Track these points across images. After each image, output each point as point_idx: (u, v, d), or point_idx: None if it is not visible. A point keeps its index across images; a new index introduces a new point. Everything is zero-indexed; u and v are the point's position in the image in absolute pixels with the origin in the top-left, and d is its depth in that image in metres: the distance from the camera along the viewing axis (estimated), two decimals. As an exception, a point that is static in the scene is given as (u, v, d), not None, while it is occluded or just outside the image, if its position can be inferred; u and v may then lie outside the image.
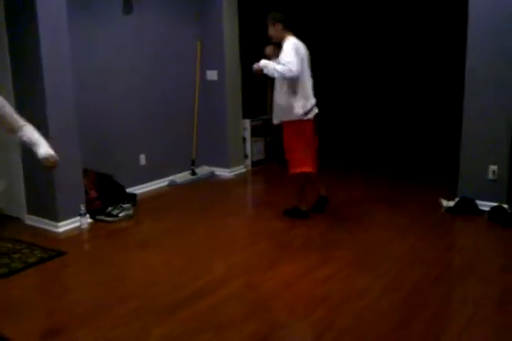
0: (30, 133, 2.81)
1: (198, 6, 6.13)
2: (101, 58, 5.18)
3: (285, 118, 4.55)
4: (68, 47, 4.43)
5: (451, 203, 4.73)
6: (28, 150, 4.42)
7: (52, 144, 2.85)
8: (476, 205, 4.65)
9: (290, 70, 4.25)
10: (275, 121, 4.69)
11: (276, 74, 4.34)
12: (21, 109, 4.42)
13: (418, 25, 6.83)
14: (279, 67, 4.28)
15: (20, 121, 2.80)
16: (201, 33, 6.18)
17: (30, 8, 4.18)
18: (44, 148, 2.78)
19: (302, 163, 4.53)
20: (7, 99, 2.76)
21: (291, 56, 4.28)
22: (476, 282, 3.39)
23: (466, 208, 4.64)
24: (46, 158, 2.77)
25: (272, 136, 6.83)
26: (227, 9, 6.09)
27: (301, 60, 4.35)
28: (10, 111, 2.76)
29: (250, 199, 5.95)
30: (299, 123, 4.49)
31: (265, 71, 4.39)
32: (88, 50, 5.02)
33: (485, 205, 4.63)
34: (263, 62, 4.41)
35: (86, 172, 4.82)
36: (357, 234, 4.28)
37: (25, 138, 2.80)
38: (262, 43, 4.67)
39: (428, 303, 3.12)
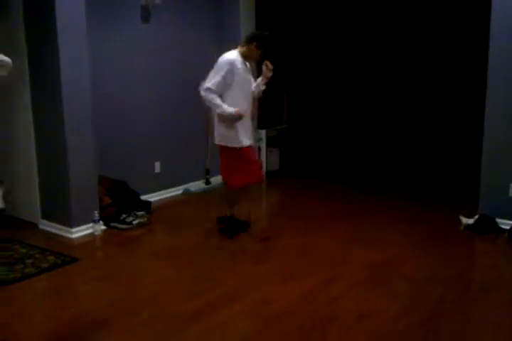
0: None
1: (217, 14, 6.14)
2: (118, 66, 5.18)
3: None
4: (86, 55, 4.42)
5: (471, 221, 4.64)
6: (44, 155, 4.47)
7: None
8: (496, 223, 4.56)
9: None
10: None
11: None
12: (39, 115, 4.50)
13: (419, 37, 6.66)
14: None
15: None
16: (218, 41, 6.17)
17: (49, 14, 4.18)
18: None
19: None
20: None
21: None
22: (495, 304, 3.29)
23: (486, 226, 4.55)
24: None
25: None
26: (245, 18, 6.11)
27: None
28: None
29: (264, 211, 5.87)
30: None
31: None
32: (105, 57, 5.02)
33: (505, 223, 4.53)
34: None
35: (101, 178, 4.80)
36: (373, 251, 4.18)
37: None
38: (278, 52, 4.63)
39: (446, 326, 3.01)
